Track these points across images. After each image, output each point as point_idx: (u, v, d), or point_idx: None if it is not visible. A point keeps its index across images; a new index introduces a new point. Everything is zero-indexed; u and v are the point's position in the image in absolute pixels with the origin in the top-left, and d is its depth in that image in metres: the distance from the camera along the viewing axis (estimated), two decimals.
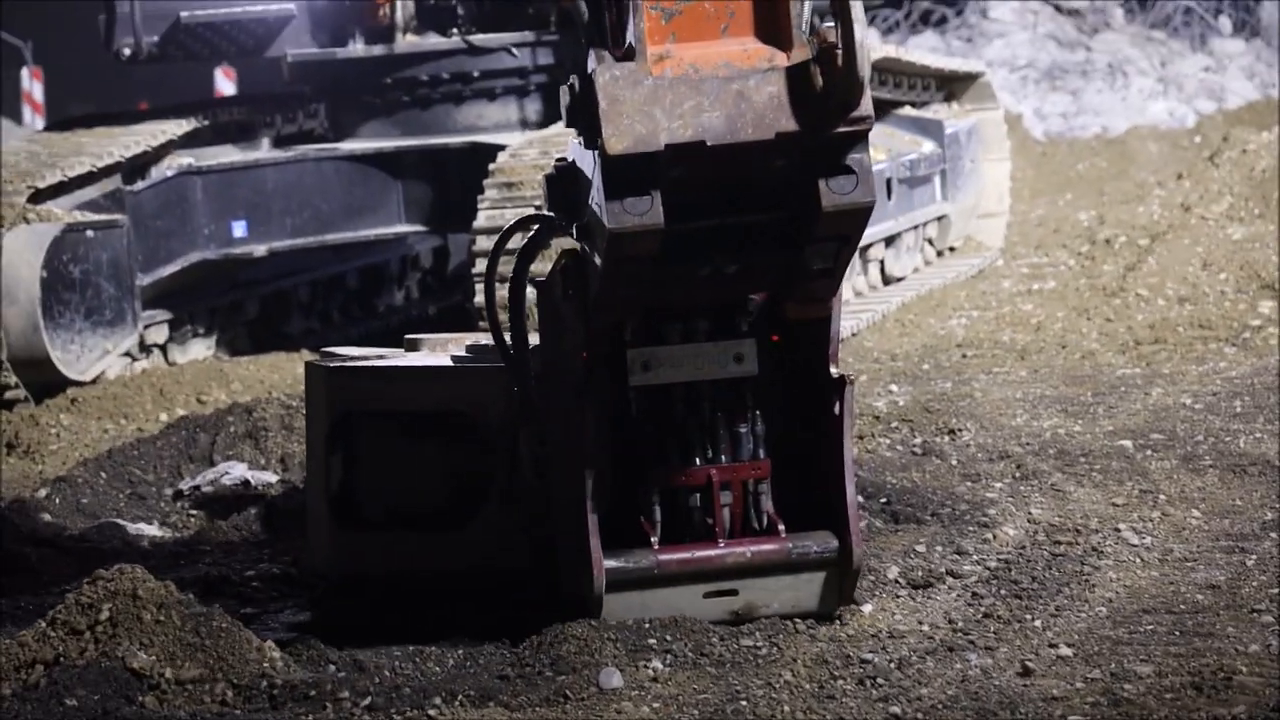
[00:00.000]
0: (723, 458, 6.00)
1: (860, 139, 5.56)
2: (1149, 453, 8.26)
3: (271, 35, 12.19)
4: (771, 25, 5.57)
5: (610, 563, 5.91)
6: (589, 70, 5.51)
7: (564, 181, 5.87)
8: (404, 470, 6.39)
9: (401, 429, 6.40)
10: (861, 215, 5.63)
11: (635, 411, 6.00)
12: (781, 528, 6.03)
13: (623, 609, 5.94)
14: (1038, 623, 6.06)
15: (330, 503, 6.45)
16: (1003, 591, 6.40)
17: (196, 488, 8.57)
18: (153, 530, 8.09)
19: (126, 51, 11.92)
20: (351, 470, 6.43)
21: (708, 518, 6.01)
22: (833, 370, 6.00)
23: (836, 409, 5.97)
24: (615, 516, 5.99)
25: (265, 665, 5.65)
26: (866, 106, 5.52)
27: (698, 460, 5.98)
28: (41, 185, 10.76)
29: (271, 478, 8.51)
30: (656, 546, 5.96)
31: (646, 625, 5.99)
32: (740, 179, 5.65)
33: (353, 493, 6.43)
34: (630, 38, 5.52)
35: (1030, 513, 7.39)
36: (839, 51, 5.43)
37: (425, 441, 6.36)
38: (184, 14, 11.79)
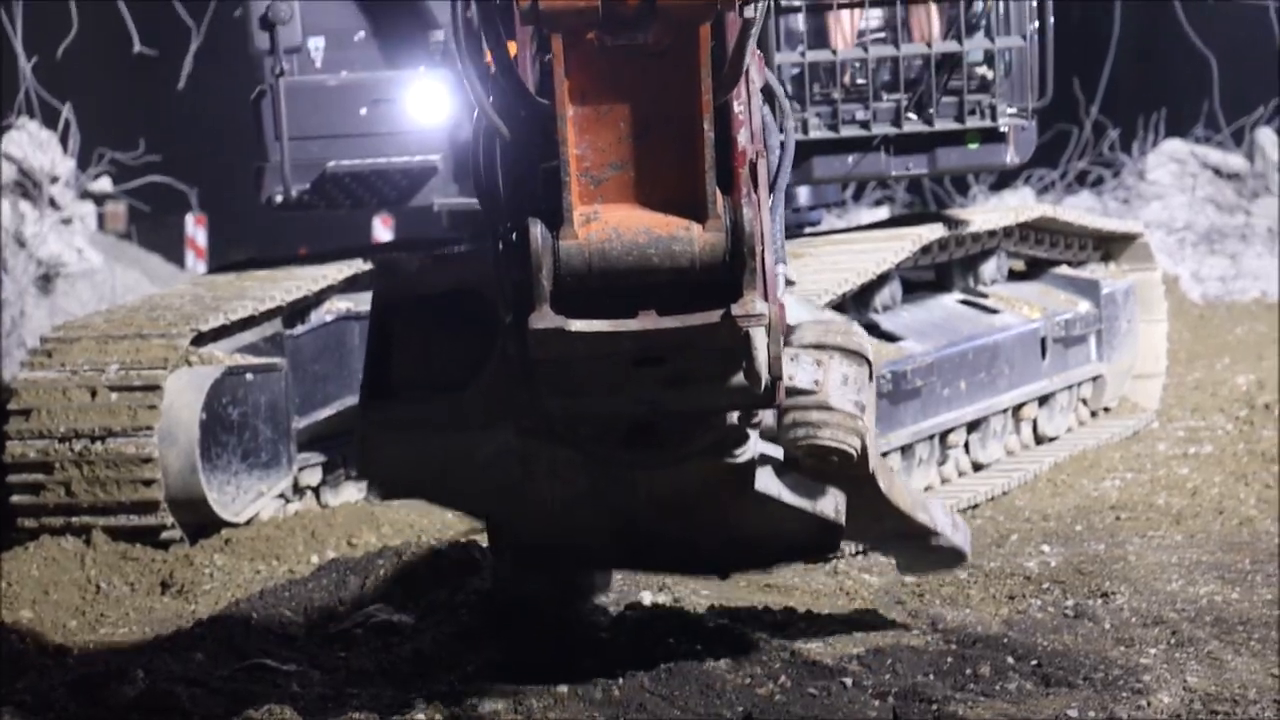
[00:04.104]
0: None
1: None
2: None
3: (415, 186, 12.35)
4: (690, 197, 5.91)
5: None
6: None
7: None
8: (427, 344, 6.80)
9: (426, 309, 6.81)
10: None
11: None
12: None
13: None
14: None
15: (365, 379, 6.86)
16: None
17: (345, 630, 8.61)
18: (302, 671, 8.13)
19: (277, 199, 12.15)
20: (384, 349, 6.84)
21: None
22: None
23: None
24: None
25: None
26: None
27: None
28: (204, 328, 10.93)
29: (416, 620, 8.53)
30: None
31: None
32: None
33: (384, 368, 6.84)
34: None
35: (1186, 680, 7.25)
36: None
37: (445, 318, 6.76)
38: (330, 164, 12.01)
